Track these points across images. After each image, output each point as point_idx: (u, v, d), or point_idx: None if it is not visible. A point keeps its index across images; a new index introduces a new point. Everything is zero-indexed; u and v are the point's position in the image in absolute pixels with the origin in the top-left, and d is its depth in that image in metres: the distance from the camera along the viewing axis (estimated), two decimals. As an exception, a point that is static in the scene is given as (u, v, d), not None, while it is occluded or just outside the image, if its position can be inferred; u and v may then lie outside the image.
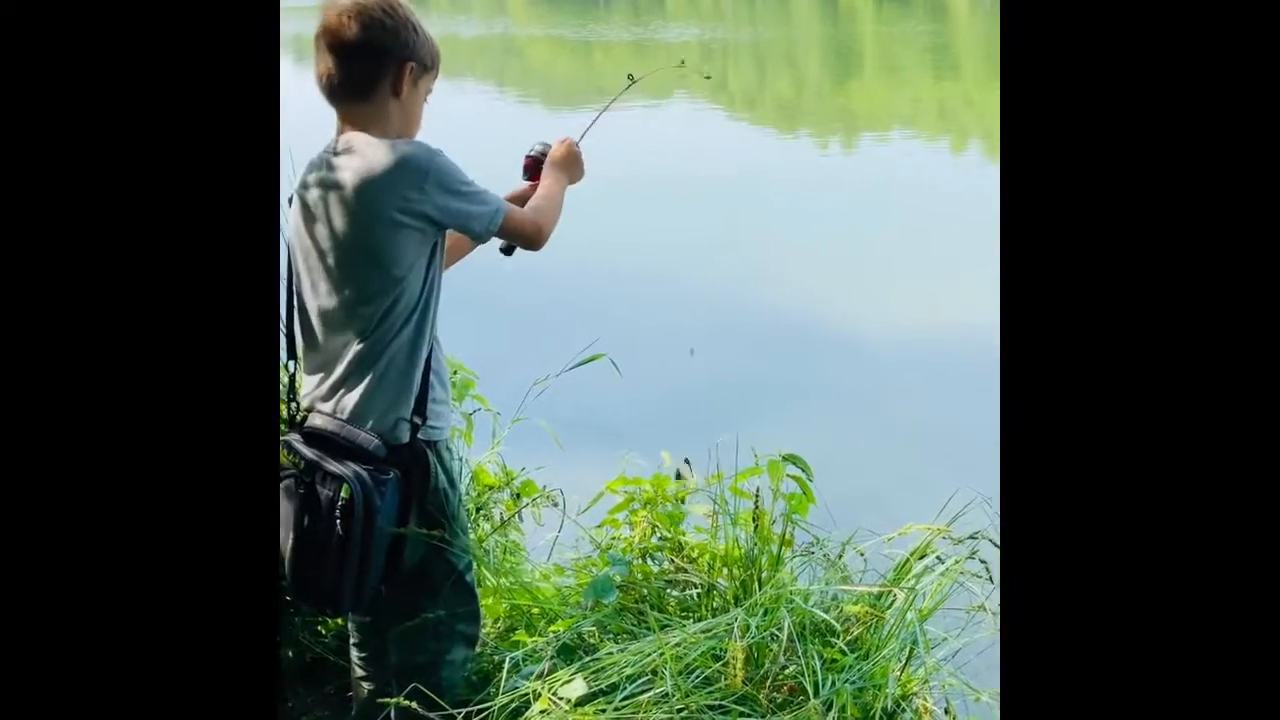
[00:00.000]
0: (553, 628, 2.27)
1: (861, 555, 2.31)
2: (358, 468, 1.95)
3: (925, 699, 2.11)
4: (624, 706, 1.87)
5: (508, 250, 2.19)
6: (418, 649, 2.12)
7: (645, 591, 2.34)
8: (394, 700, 1.94)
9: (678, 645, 1.96)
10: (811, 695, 1.92)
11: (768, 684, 1.98)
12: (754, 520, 2.36)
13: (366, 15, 1.98)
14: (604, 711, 1.87)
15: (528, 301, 6.13)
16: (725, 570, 2.38)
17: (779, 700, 1.98)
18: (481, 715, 1.95)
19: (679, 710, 1.88)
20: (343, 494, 1.93)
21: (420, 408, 2.02)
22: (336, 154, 1.99)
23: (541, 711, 1.88)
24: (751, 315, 6.84)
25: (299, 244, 2.06)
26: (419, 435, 2.02)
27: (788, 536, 2.36)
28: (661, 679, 1.91)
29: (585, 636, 2.22)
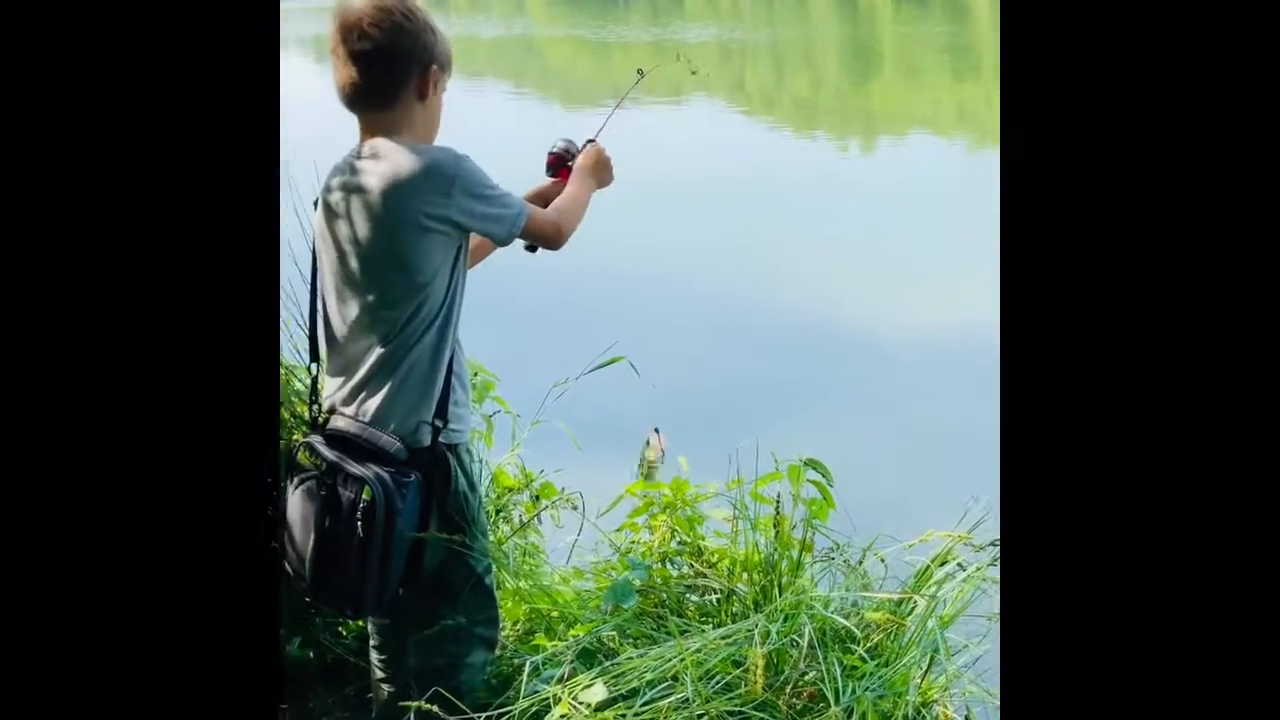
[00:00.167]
0: (572, 631, 2.27)
1: (882, 561, 2.30)
2: (379, 470, 1.96)
3: (946, 706, 2.10)
4: (644, 712, 1.87)
5: (532, 247, 2.19)
6: (437, 652, 2.12)
7: (665, 596, 2.34)
8: (414, 703, 1.94)
9: (698, 651, 1.96)
10: (832, 702, 1.92)
11: (788, 690, 1.98)
12: (774, 525, 2.35)
13: (388, 21, 1.96)
14: (624, 716, 1.87)
15: (546, 303, 6.15)
16: (745, 575, 2.38)
17: (799, 707, 1.97)
18: (502, 719, 1.95)
19: (699, 716, 1.87)
20: (364, 496, 1.94)
21: (442, 411, 2.02)
22: (361, 159, 1.99)
23: (562, 716, 1.88)
24: (769, 317, 6.84)
25: (324, 249, 2.06)
26: (440, 438, 2.03)
27: (808, 542, 2.35)
28: (682, 685, 1.91)
29: (605, 641, 2.22)
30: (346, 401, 2.04)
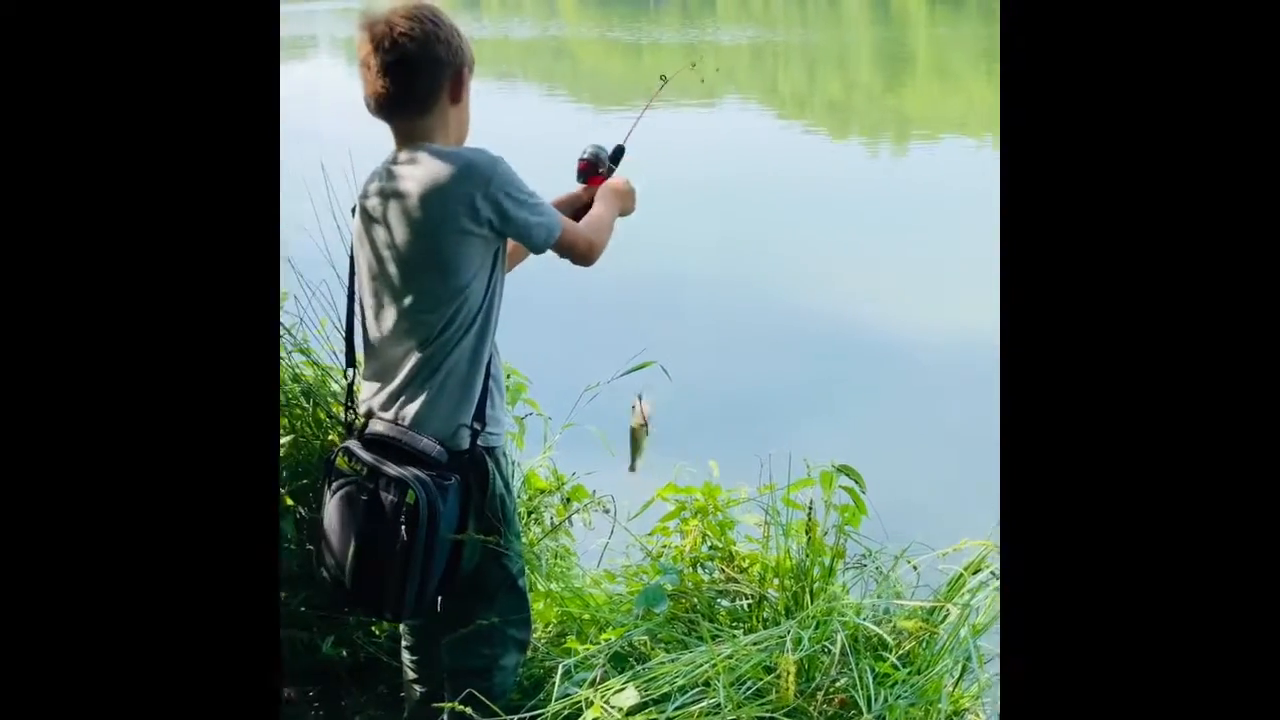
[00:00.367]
0: (604, 635, 2.28)
1: (915, 569, 2.30)
2: (420, 473, 1.97)
3: (978, 715, 2.10)
4: (676, 716, 1.87)
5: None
6: (472, 654, 2.14)
7: (696, 601, 2.34)
8: (448, 705, 1.95)
9: (729, 657, 1.96)
10: (864, 709, 1.91)
11: (819, 697, 1.97)
12: (806, 531, 2.35)
13: (419, 29, 1.95)
14: (655, 721, 1.87)
15: (578, 304, 6.15)
16: (777, 581, 2.37)
17: (830, 714, 1.97)
18: (534, 721, 1.96)
19: (730, 721, 1.87)
20: (407, 499, 1.95)
21: (480, 414, 2.03)
22: (400, 164, 2.00)
23: (594, 719, 1.89)
24: (801, 319, 6.81)
25: (361, 254, 2.08)
26: (479, 441, 2.04)
27: (840, 548, 2.35)
28: (713, 690, 1.91)
29: (636, 645, 2.23)
30: (385, 406, 2.05)
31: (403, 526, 1.95)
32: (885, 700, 1.95)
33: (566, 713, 1.96)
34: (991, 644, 2.17)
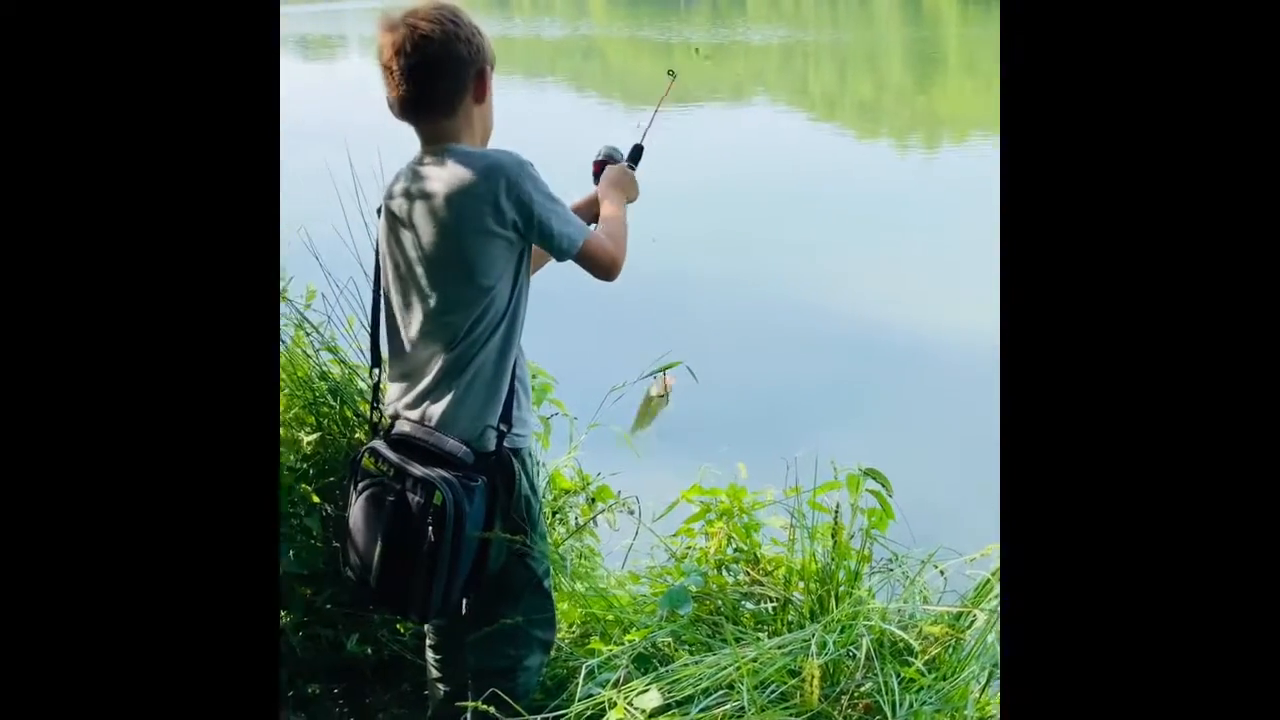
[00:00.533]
0: (628, 636, 2.27)
1: (941, 574, 2.28)
2: (446, 474, 1.97)
3: (1004, 722, 2.07)
4: (699, 719, 1.87)
5: None
6: (497, 654, 2.14)
7: (720, 603, 2.33)
8: (471, 704, 1.95)
9: (754, 660, 1.95)
10: (888, 715, 1.90)
11: (843, 702, 1.96)
12: (832, 535, 2.33)
13: (440, 32, 1.94)
14: (679, 723, 1.86)
15: (604, 303, 6.15)
16: (802, 585, 2.36)
17: (854, 719, 1.95)
18: (557, 722, 1.96)
19: (754, 725, 1.86)
20: (434, 500, 1.95)
21: (507, 416, 2.03)
22: (426, 166, 2.00)
23: (617, 720, 1.88)
24: (829, 320, 6.79)
25: (387, 255, 2.08)
26: (505, 443, 2.04)
27: (866, 552, 2.33)
28: (737, 693, 1.90)
29: (660, 646, 2.22)
30: (411, 406, 2.05)
31: (429, 527, 1.95)
32: (910, 706, 1.93)
33: (589, 713, 1.95)
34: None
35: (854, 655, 2.00)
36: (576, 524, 2.89)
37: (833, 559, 2.32)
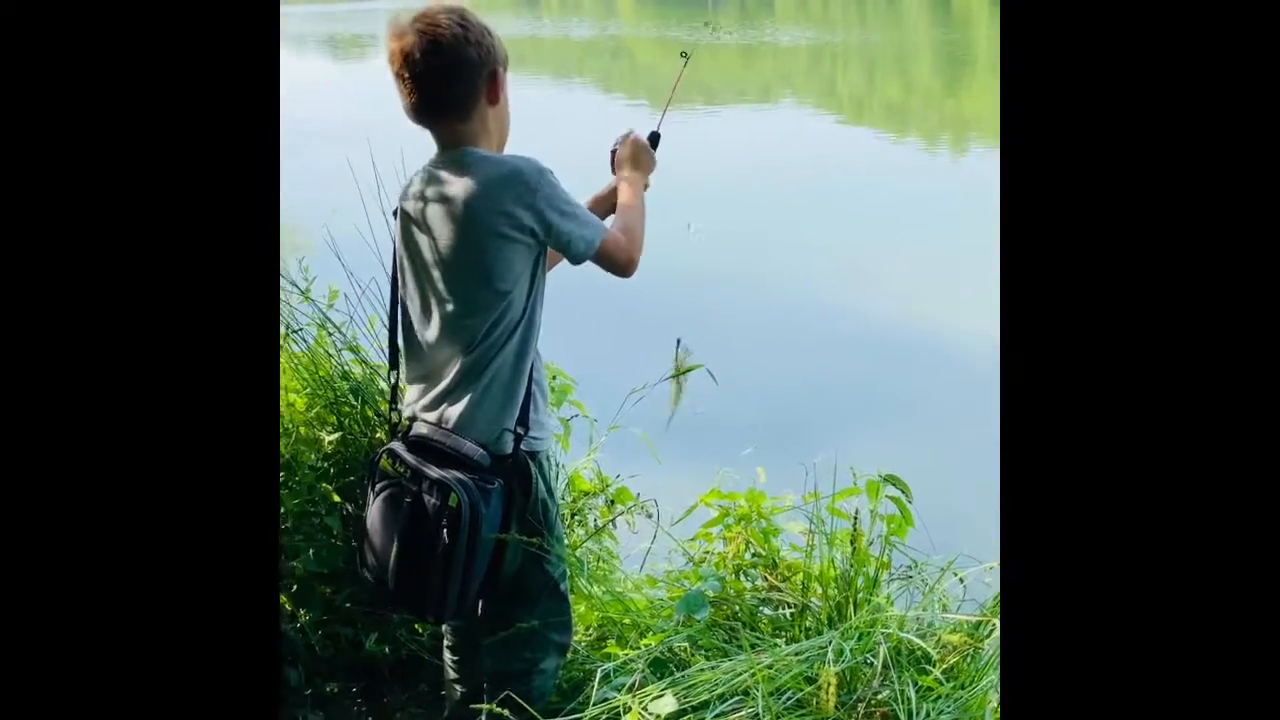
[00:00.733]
0: (644, 640, 2.27)
1: (961, 582, 2.26)
2: (463, 476, 1.97)
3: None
4: (714, 725, 1.86)
5: None
6: (513, 657, 2.14)
7: (738, 608, 2.32)
8: (487, 706, 1.95)
9: (770, 666, 1.94)
10: (905, 723, 1.89)
11: (860, 710, 1.95)
12: (851, 541, 2.32)
13: (447, 36, 1.93)
14: (694, 729, 1.86)
15: (626, 303, 6.15)
16: (820, 591, 2.35)
17: (871, 726, 1.94)
18: (572, 725, 1.95)
19: (769, 732, 1.85)
20: (450, 502, 1.95)
21: (524, 419, 2.03)
22: (442, 169, 2.00)
23: (632, 725, 1.88)
24: (853, 322, 6.76)
25: (404, 257, 2.08)
26: (522, 446, 2.04)
27: (885, 559, 2.32)
28: (752, 700, 1.89)
29: (676, 651, 2.21)
30: (429, 409, 2.06)
31: (444, 529, 1.95)
32: (927, 715, 1.92)
33: (604, 718, 1.95)
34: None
35: (871, 663, 1.98)
36: (596, 526, 2.88)
37: (851, 565, 2.31)
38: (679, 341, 2.49)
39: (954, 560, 2.28)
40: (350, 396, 2.76)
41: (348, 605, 2.67)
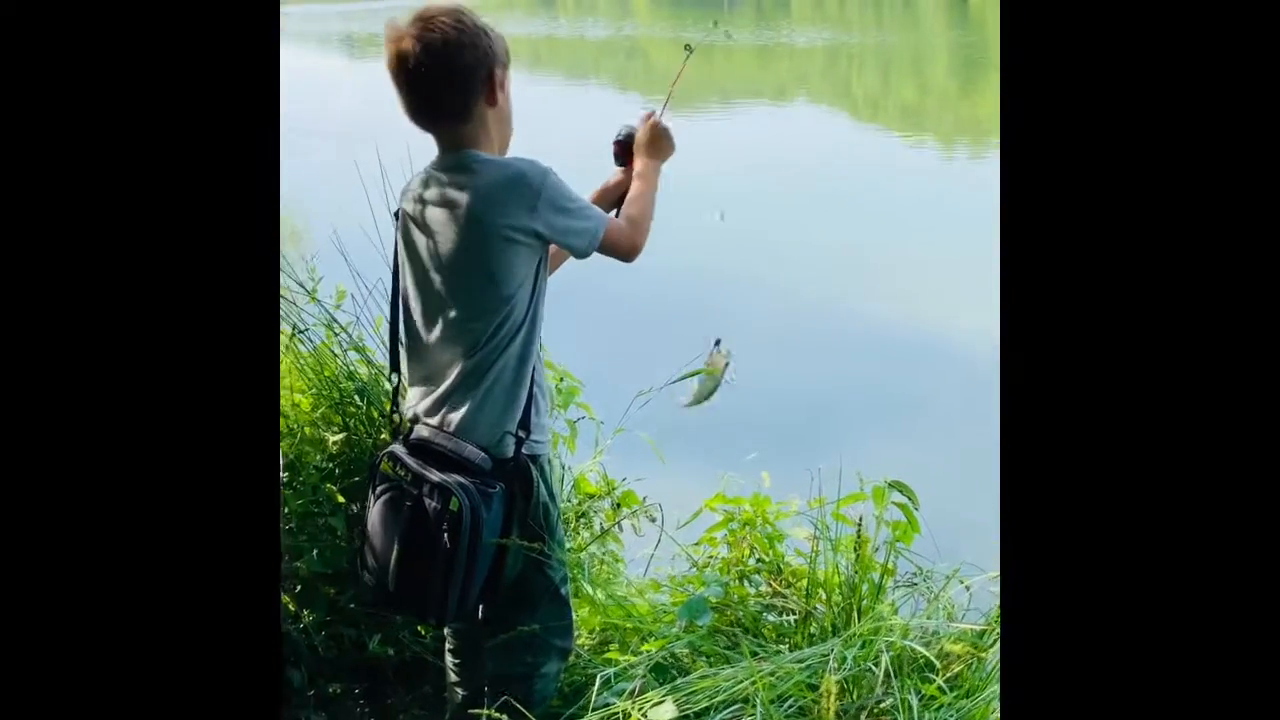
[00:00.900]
0: (646, 646, 2.26)
1: (967, 589, 2.24)
2: (463, 479, 1.96)
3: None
4: (714, 732, 1.85)
5: None
6: (514, 661, 2.13)
7: (741, 614, 2.31)
8: (487, 711, 1.95)
9: (771, 674, 1.93)
10: (906, 733, 1.87)
11: (862, 718, 1.94)
12: (855, 548, 2.31)
13: (441, 38, 1.91)
14: (693, 736, 1.85)
15: (635, 304, 6.14)
16: (824, 597, 2.34)
17: (873, 735, 1.93)
18: (572, 730, 1.95)
19: (769, 740, 1.84)
20: (451, 506, 1.94)
21: (525, 422, 2.02)
22: (444, 171, 1.99)
23: (631, 731, 1.87)
24: (863, 325, 6.74)
25: (405, 261, 2.07)
26: (523, 449, 2.03)
27: (890, 566, 2.30)
28: (752, 707, 1.88)
29: (678, 657, 2.20)
30: (430, 412, 2.05)
31: (445, 533, 1.94)
32: (929, 724, 1.91)
33: (604, 723, 1.94)
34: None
35: (873, 671, 1.97)
36: (601, 529, 2.87)
37: (856, 572, 2.30)
38: (718, 342, 2.46)
39: (958, 568, 2.26)
40: (356, 397, 2.76)
41: (351, 606, 2.67)
